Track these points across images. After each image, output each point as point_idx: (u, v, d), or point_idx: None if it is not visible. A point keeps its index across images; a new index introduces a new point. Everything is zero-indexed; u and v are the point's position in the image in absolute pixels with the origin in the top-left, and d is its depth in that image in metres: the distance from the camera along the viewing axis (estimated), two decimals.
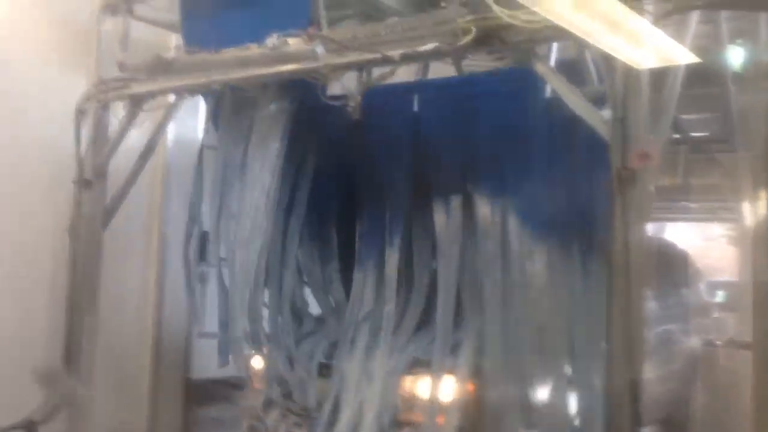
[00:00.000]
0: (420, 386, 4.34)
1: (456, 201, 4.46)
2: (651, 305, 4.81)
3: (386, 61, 3.87)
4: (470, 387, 4.21)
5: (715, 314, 7.48)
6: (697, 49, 3.97)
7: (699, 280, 7.28)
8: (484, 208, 4.33)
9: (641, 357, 3.75)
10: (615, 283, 3.68)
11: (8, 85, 5.42)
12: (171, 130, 6.12)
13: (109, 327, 5.74)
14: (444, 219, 4.48)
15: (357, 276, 4.99)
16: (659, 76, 3.79)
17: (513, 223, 4.26)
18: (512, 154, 4.24)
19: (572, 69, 4.24)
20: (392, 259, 4.74)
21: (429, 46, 3.81)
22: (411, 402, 4.32)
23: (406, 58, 3.88)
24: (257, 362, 5.07)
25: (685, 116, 5.54)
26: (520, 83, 4.11)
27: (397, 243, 4.74)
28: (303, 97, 4.50)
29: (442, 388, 4.23)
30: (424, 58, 3.94)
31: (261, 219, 4.62)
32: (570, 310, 4.34)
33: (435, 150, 4.53)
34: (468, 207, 4.41)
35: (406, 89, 4.84)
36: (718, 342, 6.88)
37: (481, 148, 4.40)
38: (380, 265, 4.86)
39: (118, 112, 5.39)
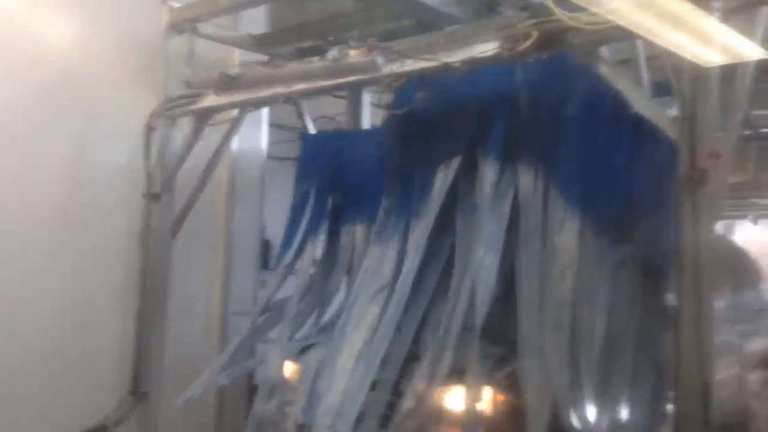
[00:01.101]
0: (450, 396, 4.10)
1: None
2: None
3: (447, 68, 3.88)
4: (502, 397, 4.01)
5: None
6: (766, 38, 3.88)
7: (761, 279, 7.02)
8: (526, 182, 4.28)
9: (711, 360, 3.68)
10: (684, 285, 3.61)
11: (82, 103, 5.65)
12: (235, 143, 6.27)
13: (176, 335, 5.92)
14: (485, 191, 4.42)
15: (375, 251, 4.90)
16: (729, 71, 3.70)
17: (553, 196, 4.20)
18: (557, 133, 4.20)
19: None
20: (418, 230, 4.63)
21: (489, 52, 3.81)
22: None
23: (466, 65, 3.88)
24: (288, 371, 4.93)
25: (755, 111, 5.35)
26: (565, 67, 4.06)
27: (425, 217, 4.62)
28: None
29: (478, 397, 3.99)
30: (485, 64, 3.92)
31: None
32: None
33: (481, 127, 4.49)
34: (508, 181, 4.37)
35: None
36: None
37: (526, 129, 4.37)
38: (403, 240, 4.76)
39: (184, 127, 5.55)
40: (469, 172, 4.50)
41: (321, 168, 5.67)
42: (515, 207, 4.31)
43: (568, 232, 4.13)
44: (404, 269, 4.55)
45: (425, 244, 4.54)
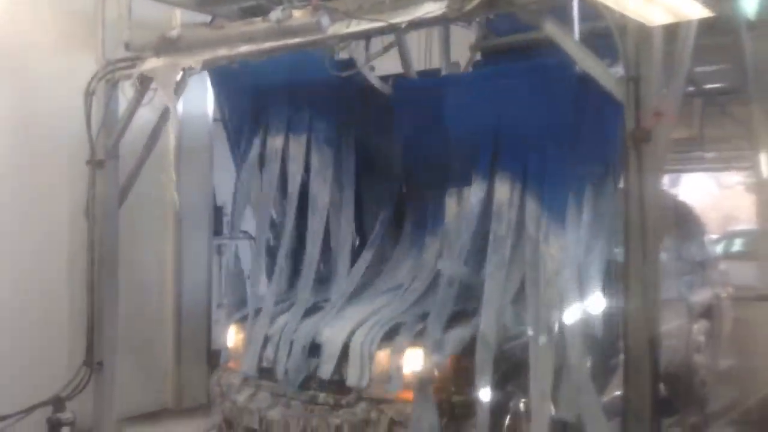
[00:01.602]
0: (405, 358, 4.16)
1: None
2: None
3: (392, 29, 3.82)
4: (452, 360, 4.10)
5: (721, 266, 7.43)
6: None
7: (702, 232, 7.20)
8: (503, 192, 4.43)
9: (658, 314, 3.78)
10: (630, 241, 3.69)
11: (17, 71, 5.44)
12: (180, 107, 6.11)
13: (130, 304, 5.84)
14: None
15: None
16: (672, 29, 3.72)
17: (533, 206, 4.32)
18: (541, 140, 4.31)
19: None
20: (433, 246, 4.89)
21: (436, 12, 3.76)
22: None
23: (413, 26, 3.82)
24: (232, 338, 4.99)
25: (698, 68, 5.42)
26: (550, 75, 4.17)
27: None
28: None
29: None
30: (431, 24, 3.87)
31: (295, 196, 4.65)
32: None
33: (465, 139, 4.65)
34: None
35: (434, 83, 5.04)
36: (723, 295, 6.91)
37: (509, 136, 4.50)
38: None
39: (126, 91, 5.38)
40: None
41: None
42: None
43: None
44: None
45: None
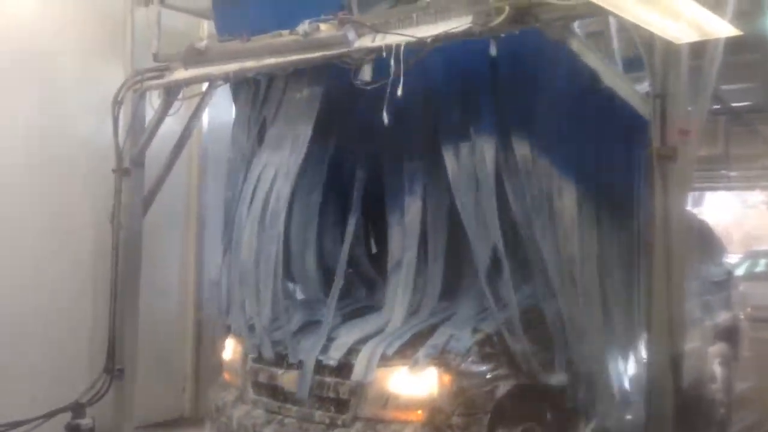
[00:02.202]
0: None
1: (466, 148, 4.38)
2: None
3: (419, 43, 3.83)
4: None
5: (741, 287, 7.26)
6: (739, 15, 3.89)
7: (721, 252, 7.06)
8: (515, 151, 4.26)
9: (682, 333, 3.75)
10: (656, 259, 3.66)
11: (46, 77, 5.53)
12: (206, 117, 6.18)
13: (151, 312, 5.89)
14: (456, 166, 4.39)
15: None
16: (699, 46, 3.71)
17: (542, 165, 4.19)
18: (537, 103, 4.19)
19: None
20: (413, 207, 4.67)
21: (462, 27, 3.77)
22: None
23: (439, 40, 3.84)
24: (228, 352, 4.80)
25: (725, 86, 5.40)
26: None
27: (418, 192, 4.67)
28: (335, 81, 4.46)
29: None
30: (457, 39, 3.88)
31: (282, 204, 4.50)
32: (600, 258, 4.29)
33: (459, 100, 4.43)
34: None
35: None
36: (742, 316, 6.75)
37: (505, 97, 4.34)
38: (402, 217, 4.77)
39: (153, 101, 5.45)
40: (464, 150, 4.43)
41: None
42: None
43: (567, 198, 4.17)
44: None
45: (420, 223, 4.66)
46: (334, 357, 4.07)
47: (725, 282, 6.73)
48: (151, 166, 5.69)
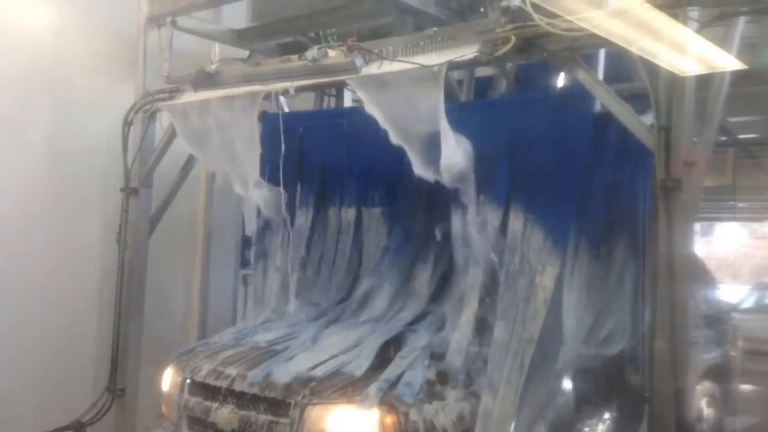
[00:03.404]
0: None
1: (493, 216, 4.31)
2: None
3: (425, 71, 3.86)
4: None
5: (733, 321, 7.00)
6: (745, 47, 3.90)
7: (710, 283, 6.81)
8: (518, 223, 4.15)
9: (687, 365, 3.73)
10: (658, 290, 3.66)
11: (59, 97, 5.59)
12: None
13: (155, 331, 5.88)
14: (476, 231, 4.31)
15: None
16: (704, 78, 3.72)
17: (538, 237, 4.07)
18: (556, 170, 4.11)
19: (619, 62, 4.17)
20: (423, 273, 4.71)
21: (469, 56, 3.80)
22: None
23: (445, 68, 3.86)
24: (166, 382, 4.47)
25: (732, 119, 5.40)
26: (567, 103, 4.07)
27: (430, 258, 4.71)
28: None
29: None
30: (464, 68, 3.92)
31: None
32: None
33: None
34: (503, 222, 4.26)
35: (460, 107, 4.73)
36: (732, 353, 6.40)
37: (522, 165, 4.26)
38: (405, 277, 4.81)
39: (163, 122, 5.50)
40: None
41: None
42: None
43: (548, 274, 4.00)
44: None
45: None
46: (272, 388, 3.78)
47: (713, 316, 6.35)
48: (158, 187, 5.73)
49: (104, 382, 5.48)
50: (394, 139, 3.94)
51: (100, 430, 5.39)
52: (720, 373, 6.03)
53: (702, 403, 5.74)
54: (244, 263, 6.78)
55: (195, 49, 5.97)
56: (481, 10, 4.71)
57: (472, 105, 5.09)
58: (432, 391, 3.65)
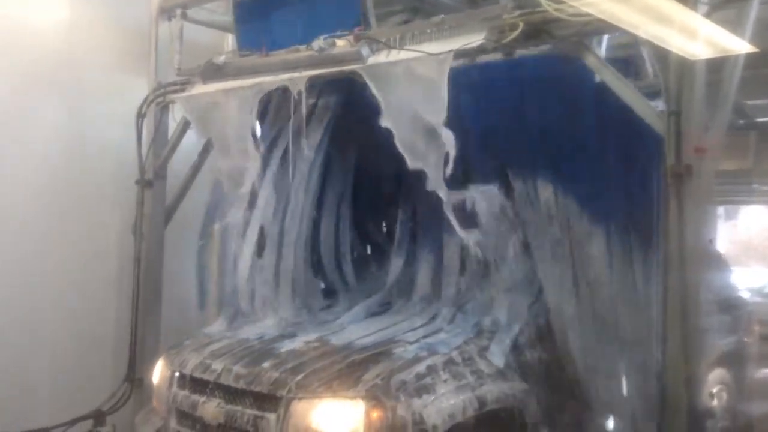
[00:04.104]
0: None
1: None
2: None
3: (433, 59, 3.83)
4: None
5: (749, 306, 6.85)
6: (761, 26, 3.81)
7: (723, 268, 6.66)
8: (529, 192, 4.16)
9: (699, 351, 3.69)
10: (670, 278, 3.62)
11: (72, 90, 5.63)
12: None
13: (172, 321, 5.93)
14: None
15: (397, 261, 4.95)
16: (718, 60, 3.65)
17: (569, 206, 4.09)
18: (562, 137, 4.07)
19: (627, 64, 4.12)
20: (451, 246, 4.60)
21: (475, 44, 3.77)
22: None
23: (452, 56, 3.83)
24: (156, 374, 4.44)
25: (751, 102, 5.31)
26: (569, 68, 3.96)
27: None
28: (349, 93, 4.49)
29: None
30: (472, 55, 3.89)
31: (298, 212, 4.58)
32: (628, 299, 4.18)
33: (480, 134, 4.30)
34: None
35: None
36: (747, 339, 6.26)
37: (528, 132, 4.21)
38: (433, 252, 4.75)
39: (176, 114, 5.52)
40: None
41: None
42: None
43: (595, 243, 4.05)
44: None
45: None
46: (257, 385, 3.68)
47: (726, 301, 6.18)
48: (173, 178, 5.77)
49: (123, 372, 5.55)
50: (399, 143, 3.93)
51: (120, 419, 5.46)
52: (734, 360, 5.92)
53: (714, 391, 5.64)
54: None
55: (208, 40, 5.99)
56: None
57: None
58: (421, 384, 3.49)
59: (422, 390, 3.46)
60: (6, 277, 5.22)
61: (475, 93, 4.19)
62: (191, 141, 5.67)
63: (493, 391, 3.67)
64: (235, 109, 4.49)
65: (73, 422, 5.26)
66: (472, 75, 4.14)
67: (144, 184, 5.64)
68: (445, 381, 3.57)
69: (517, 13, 3.70)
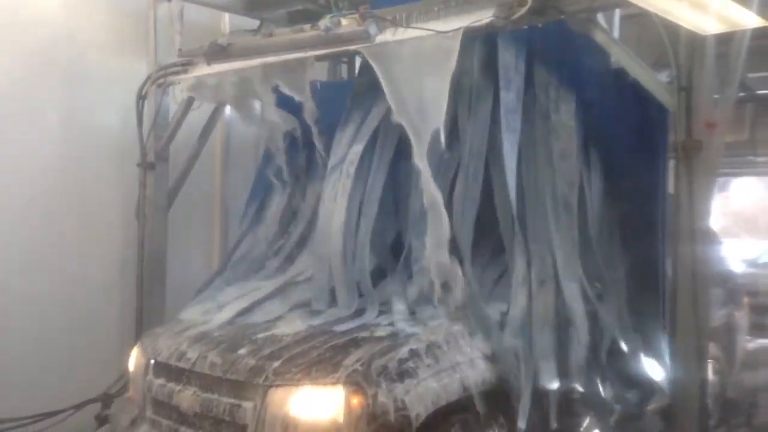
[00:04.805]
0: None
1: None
2: None
3: (441, 37, 3.82)
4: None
5: (740, 278, 6.85)
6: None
7: (713, 241, 6.69)
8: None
9: (707, 325, 3.74)
10: (680, 250, 3.67)
11: (70, 72, 5.57)
12: (228, 109, 6.21)
13: (177, 304, 5.92)
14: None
15: None
16: (724, 36, 3.66)
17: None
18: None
19: None
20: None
21: (484, 20, 3.75)
22: None
23: (461, 33, 3.82)
24: (132, 362, 4.29)
25: (751, 75, 5.32)
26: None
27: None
28: None
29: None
30: (479, 32, 3.87)
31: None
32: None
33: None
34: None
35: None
36: (737, 312, 6.22)
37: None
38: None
39: (177, 95, 5.49)
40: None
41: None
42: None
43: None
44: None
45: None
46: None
47: (723, 275, 6.18)
48: (174, 160, 5.74)
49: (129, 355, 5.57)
50: (397, 116, 3.90)
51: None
52: (726, 334, 5.92)
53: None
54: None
55: (204, 19, 5.93)
56: None
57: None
58: (403, 368, 3.37)
59: (404, 375, 3.35)
60: (8, 263, 5.19)
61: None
62: (192, 122, 5.66)
63: (477, 374, 3.60)
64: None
65: (81, 405, 5.27)
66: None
67: (146, 166, 5.61)
68: (429, 365, 3.45)
69: None
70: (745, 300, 6.53)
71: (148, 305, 5.62)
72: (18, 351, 5.22)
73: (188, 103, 5.41)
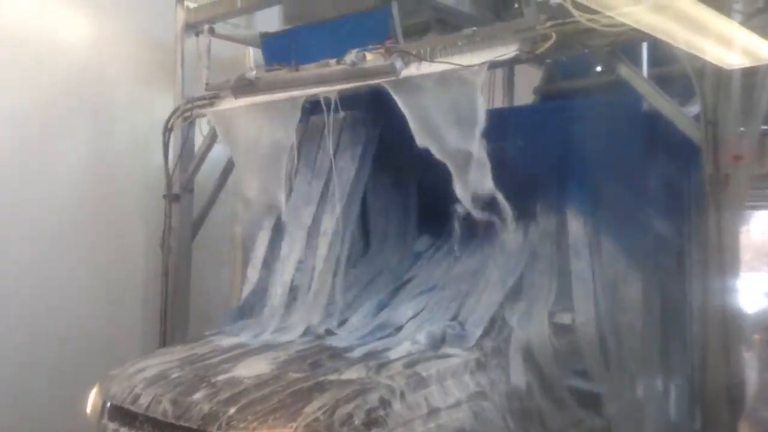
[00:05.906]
0: None
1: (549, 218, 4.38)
2: None
3: (465, 71, 3.86)
4: None
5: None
6: None
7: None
8: (576, 225, 4.23)
9: (740, 358, 3.69)
10: (709, 283, 3.63)
11: (99, 105, 5.70)
12: None
13: (199, 333, 5.95)
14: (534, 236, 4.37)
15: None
16: (749, 69, 3.67)
17: (606, 242, 4.14)
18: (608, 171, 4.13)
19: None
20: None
21: (508, 55, 3.79)
22: None
23: (485, 67, 3.86)
24: (89, 404, 3.97)
25: None
26: (615, 104, 4.06)
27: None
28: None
29: None
30: (504, 66, 3.91)
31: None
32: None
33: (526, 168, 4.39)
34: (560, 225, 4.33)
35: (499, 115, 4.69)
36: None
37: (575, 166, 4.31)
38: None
39: (203, 127, 5.57)
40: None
41: None
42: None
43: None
44: None
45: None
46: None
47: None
48: (199, 192, 5.81)
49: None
50: (437, 154, 3.96)
51: None
52: None
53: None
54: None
55: (228, 53, 6.04)
56: (516, 6, 4.72)
57: (516, 111, 5.07)
58: (371, 417, 3.09)
59: (372, 425, 3.05)
60: (33, 293, 5.25)
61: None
62: (218, 155, 5.73)
63: (455, 420, 3.38)
64: (272, 121, 4.51)
65: None
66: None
67: (171, 198, 5.68)
68: (399, 414, 3.18)
69: (549, 24, 3.71)
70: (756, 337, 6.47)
71: (171, 337, 5.64)
72: (43, 381, 5.26)
73: (213, 135, 5.48)
